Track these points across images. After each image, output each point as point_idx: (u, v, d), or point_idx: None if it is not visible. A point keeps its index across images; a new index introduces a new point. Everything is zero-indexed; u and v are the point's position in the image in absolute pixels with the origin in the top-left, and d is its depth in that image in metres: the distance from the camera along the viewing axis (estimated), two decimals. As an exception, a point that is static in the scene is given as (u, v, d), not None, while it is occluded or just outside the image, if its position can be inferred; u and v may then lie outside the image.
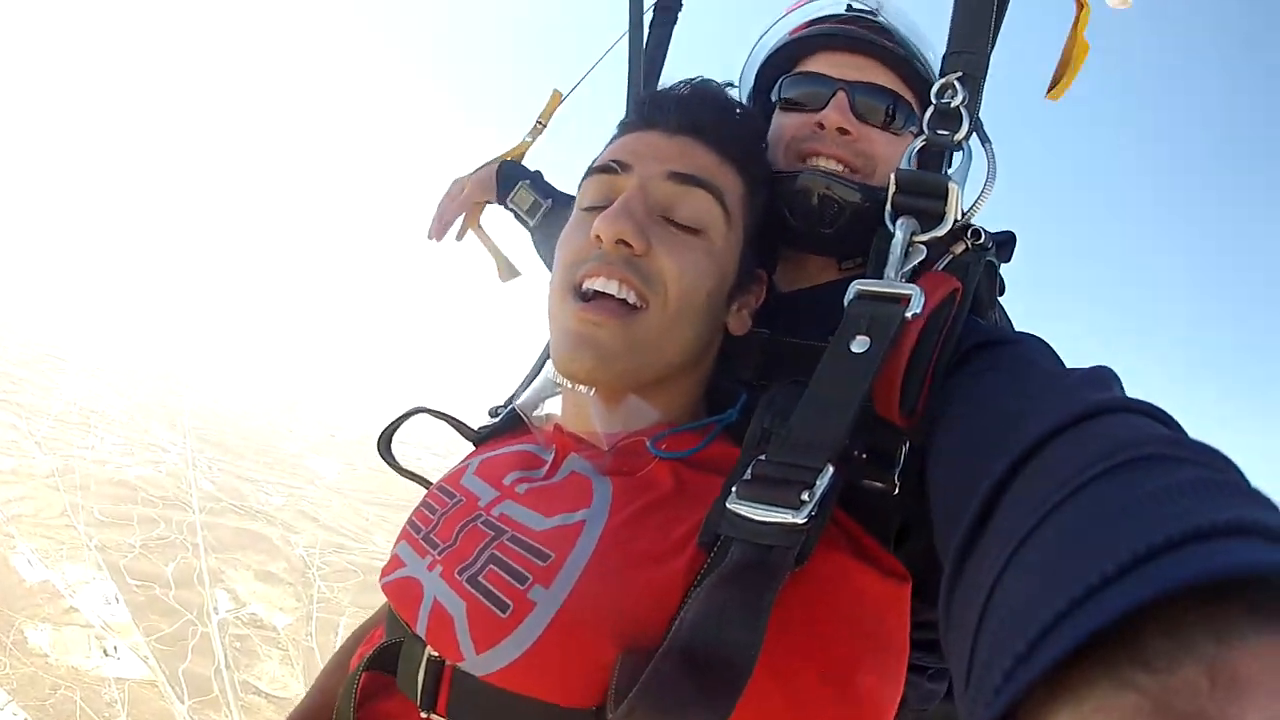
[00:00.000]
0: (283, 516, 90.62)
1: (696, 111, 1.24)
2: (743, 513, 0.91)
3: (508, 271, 2.23)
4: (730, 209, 1.21)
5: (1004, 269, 1.32)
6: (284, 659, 62.28)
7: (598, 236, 1.14)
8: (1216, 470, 0.58)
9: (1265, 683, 0.39)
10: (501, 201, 2.15)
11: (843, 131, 1.33)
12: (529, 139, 2.28)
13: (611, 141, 1.32)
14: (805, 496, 0.88)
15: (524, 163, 2.25)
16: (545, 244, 2.04)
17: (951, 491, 0.89)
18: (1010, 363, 1.02)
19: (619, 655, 0.91)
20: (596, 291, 1.15)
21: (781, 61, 1.49)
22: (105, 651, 53.25)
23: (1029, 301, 72.98)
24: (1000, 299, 1.34)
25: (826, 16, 1.45)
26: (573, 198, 1.64)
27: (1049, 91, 1.38)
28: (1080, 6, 1.32)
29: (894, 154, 1.32)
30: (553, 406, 1.36)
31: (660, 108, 1.27)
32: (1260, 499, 0.53)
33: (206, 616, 63.17)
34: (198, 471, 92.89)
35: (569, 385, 1.20)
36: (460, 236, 2.23)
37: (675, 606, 0.93)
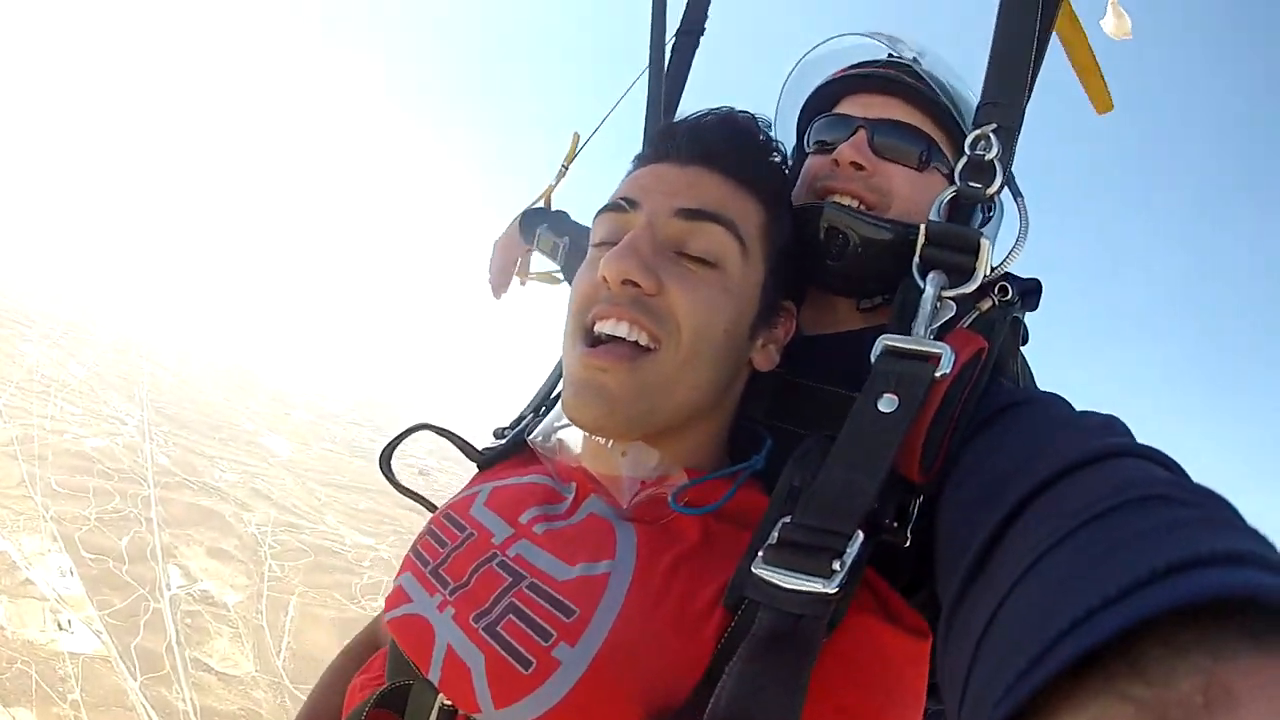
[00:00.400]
0: (236, 493, 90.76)
1: (709, 138, 1.19)
2: (771, 579, 0.88)
3: (558, 279, 2.31)
4: (747, 240, 1.15)
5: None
6: (234, 637, 62.90)
7: (604, 278, 1.10)
8: (1216, 510, 0.61)
9: (1257, 699, 0.41)
10: (531, 248, 2.22)
11: (857, 167, 1.30)
12: (554, 183, 2.30)
13: (626, 176, 1.26)
14: (836, 566, 0.85)
15: (555, 203, 2.31)
16: (570, 280, 1.98)
17: (958, 531, 0.88)
18: (1028, 418, 1.02)
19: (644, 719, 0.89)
20: (608, 335, 1.10)
21: (819, 105, 1.48)
22: (60, 625, 53.39)
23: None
24: (1024, 348, 1.32)
25: (863, 63, 1.45)
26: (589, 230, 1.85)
27: (1097, 109, 1.38)
28: (1068, 30, 1.31)
29: (913, 191, 1.30)
30: (566, 435, 1.31)
31: (672, 138, 1.21)
32: (1256, 535, 0.56)
33: (159, 592, 63.52)
34: (154, 445, 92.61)
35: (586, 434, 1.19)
36: (511, 287, 2.36)
37: (702, 670, 0.92)
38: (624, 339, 1.09)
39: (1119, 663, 0.46)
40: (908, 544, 1.01)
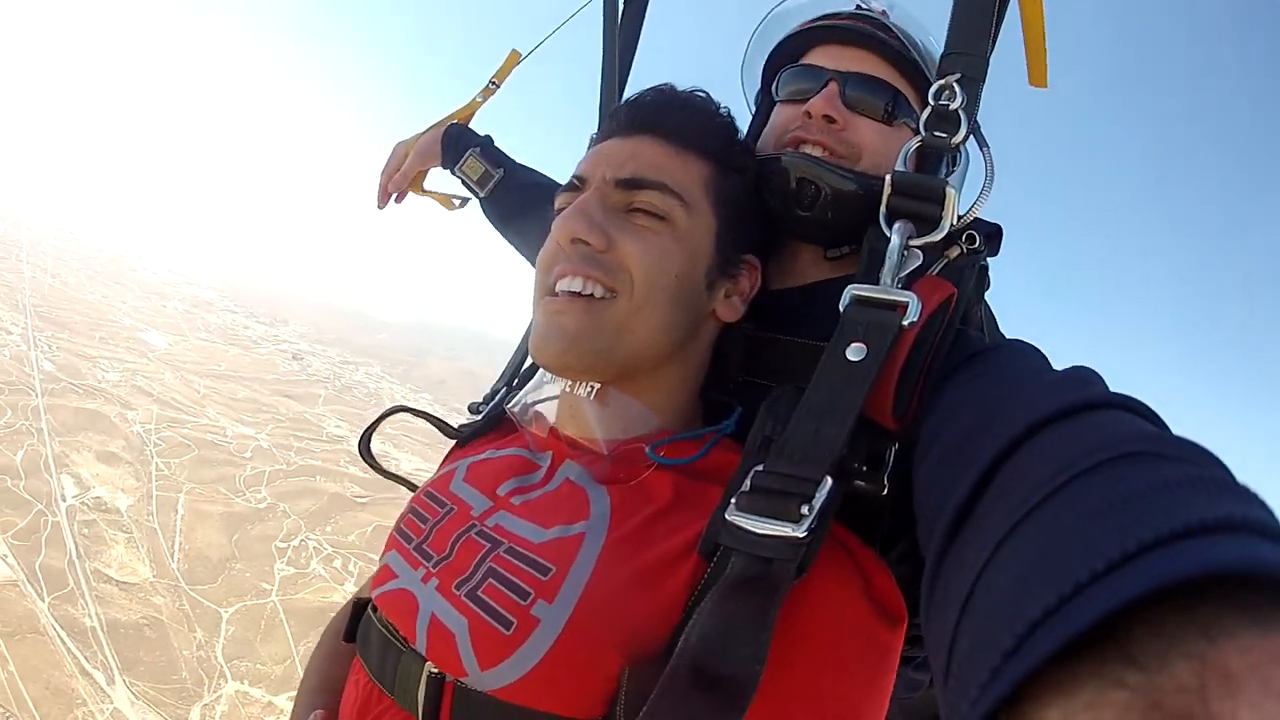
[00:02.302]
0: (119, 393, 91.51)
1: (646, 110, 1.20)
2: (742, 524, 0.86)
3: (455, 203, 2.07)
4: (688, 196, 1.14)
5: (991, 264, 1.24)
6: (129, 542, 66.52)
7: (558, 241, 1.12)
8: (1202, 466, 0.56)
9: (1256, 680, 0.38)
10: (449, 169, 1.95)
11: (829, 119, 1.25)
12: (479, 99, 2.04)
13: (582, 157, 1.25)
14: (805, 510, 0.84)
15: (473, 125, 2.03)
16: (498, 215, 1.92)
17: (935, 488, 0.84)
18: (996, 366, 0.97)
19: (625, 667, 0.88)
20: (564, 291, 1.10)
21: (783, 58, 1.41)
22: (-34, 554, 55.24)
23: (1022, 297, 71.22)
24: (985, 294, 1.27)
25: (832, 14, 1.38)
26: (526, 167, 1.81)
27: (1031, 79, 1.29)
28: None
29: (882, 145, 1.25)
30: (543, 409, 1.28)
31: (616, 117, 1.24)
32: (1246, 494, 0.51)
33: (55, 505, 65.91)
34: (39, 352, 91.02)
35: (567, 387, 1.17)
36: (400, 200, 2.04)
37: (678, 616, 0.90)
38: (579, 293, 1.09)
39: (1108, 644, 0.43)
40: (885, 491, 0.99)
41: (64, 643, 53.30)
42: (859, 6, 1.37)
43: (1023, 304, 72.66)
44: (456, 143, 1.92)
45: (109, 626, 56.69)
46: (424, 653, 1.00)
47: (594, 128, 1.40)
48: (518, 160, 1.93)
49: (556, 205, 1.20)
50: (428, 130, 1.98)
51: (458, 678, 0.95)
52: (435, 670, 0.98)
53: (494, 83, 2.06)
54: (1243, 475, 0.54)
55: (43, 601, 55.41)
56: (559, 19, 2.03)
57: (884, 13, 1.35)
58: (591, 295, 1.09)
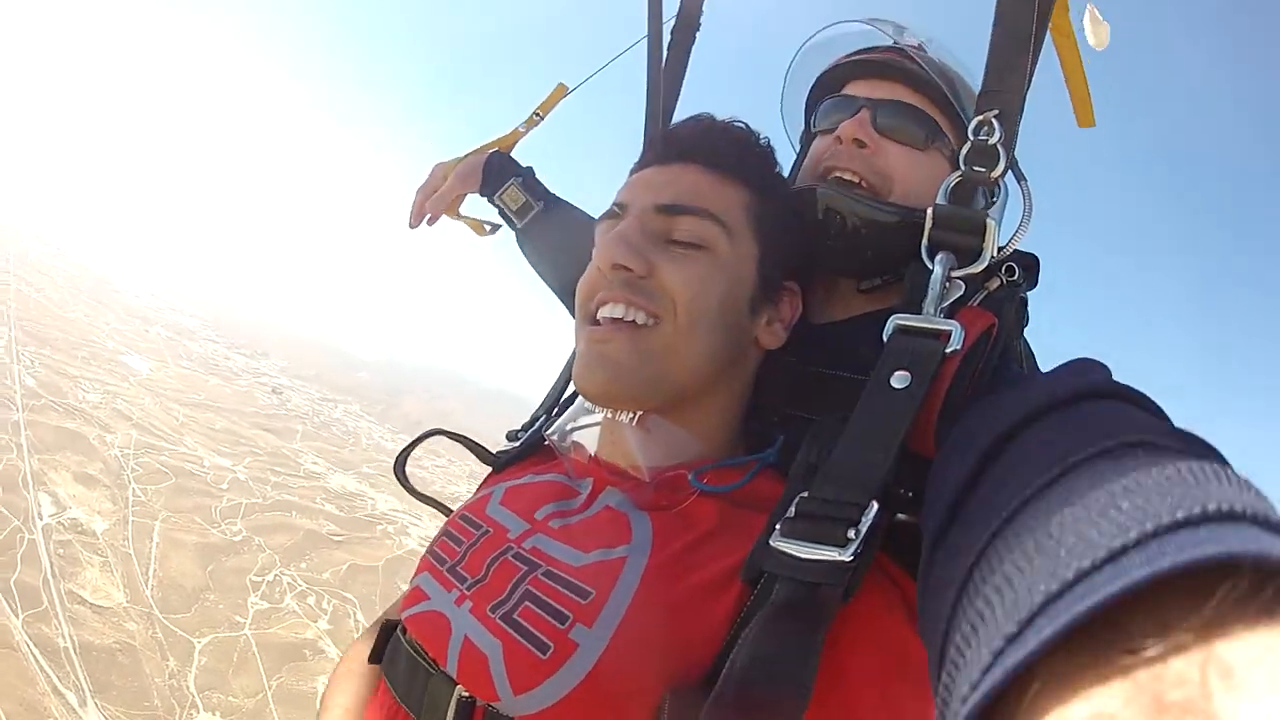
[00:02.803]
0: (99, 415, 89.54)
1: (684, 138, 1.21)
2: (788, 550, 0.85)
3: (486, 229, 2.04)
4: (729, 223, 1.14)
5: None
6: (104, 566, 64.54)
7: (599, 267, 1.12)
8: (1201, 458, 0.55)
9: (1259, 674, 0.37)
10: (487, 197, 1.91)
11: (859, 144, 1.26)
12: (522, 129, 2.00)
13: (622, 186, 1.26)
14: (851, 534, 0.83)
15: (514, 155, 1.98)
16: (533, 248, 1.88)
17: (936, 477, 0.83)
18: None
19: (665, 694, 0.85)
20: (607, 319, 1.11)
21: (821, 91, 1.44)
22: (-57, 566, 53.81)
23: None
24: (1025, 331, 1.25)
25: (868, 49, 1.40)
26: (566, 202, 1.83)
27: (1079, 122, 1.33)
28: (1061, 37, 1.24)
29: (913, 173, 1.26)
30: (584, 437, 1.26)
31: (655, 145, 1.25)
32: (1244, 485, 0.51)
33: (32, 522, 64.00)
34: (20, 366, 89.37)
35: (609, 414, 1.16)
36: (433, 223, 1.99)
37: (721, 642, 0.88)
38: (622, 319, 1.09)
39: (1108, 632, 0.42)
40: None
41: (37, 660, 51.74)
42: (895, 41, 1.40)
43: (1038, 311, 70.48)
44: (499, 171, 1.89)
45: (81, 648, 55.07)
46: (454, 675, 0.98)
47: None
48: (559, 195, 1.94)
49: (597, 233, 1.20)
50: (469, 155, 1.96)
51: (489, 702, 0.93)
52: (465, 694, 0.96)
53: (538, 114, 2.02)
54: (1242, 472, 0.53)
55: (17, 618, 53.81)
56: (604, 53, 1.91)
57: (920, 47, 1.37)
58: (634, 322, 1.09)
